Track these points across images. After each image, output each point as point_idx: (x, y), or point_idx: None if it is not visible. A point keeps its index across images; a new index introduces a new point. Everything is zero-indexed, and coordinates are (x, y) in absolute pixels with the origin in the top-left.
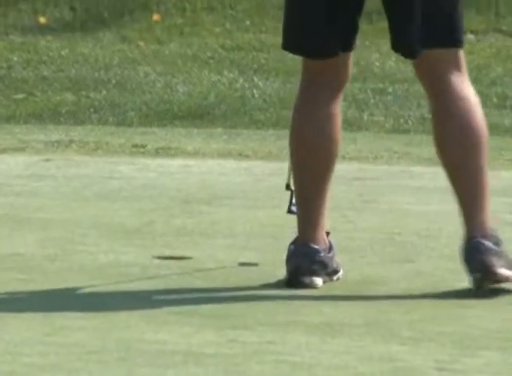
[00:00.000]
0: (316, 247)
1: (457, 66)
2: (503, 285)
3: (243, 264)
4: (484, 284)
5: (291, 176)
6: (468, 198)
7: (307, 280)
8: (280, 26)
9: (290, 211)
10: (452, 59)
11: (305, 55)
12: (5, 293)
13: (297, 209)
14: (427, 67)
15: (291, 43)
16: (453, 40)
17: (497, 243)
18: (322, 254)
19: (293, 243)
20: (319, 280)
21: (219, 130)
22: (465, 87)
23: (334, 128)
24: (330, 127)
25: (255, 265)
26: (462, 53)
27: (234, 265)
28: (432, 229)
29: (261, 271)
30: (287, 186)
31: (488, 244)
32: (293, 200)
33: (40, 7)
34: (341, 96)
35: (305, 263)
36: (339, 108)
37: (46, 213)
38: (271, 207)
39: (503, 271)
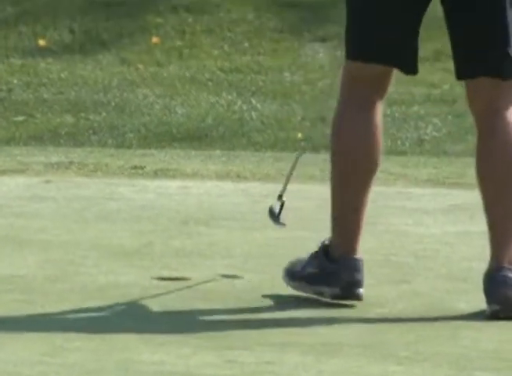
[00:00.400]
0: (361, 258)
1: (510, 94)
2: None
3: (241, 284)
4: (500, 316)
5: (285, 188)
6: (503, 225)
7: (360, 291)
8: (278, 47)
9: (277, 222)
10: (507, 88)
11: (397, 64)
12: (6, 314)
13: (338, 222)
14: (481, 93)
15: (378, 53)
16: (501, 67)
17: None
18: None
19: (326, 256)
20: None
21: (217, 152)
22: None
23: (377, 134)
24: (373, 132)
25: (253, 285)
26: None
27: (232, 286)
28: (429, 250)
29: (259, 292)
30: (279, 197)
31: None
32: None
33: (40, 30)
34: (382, 108)
35: (358, 276)
36: (380, 117)
37: (47, 234)
38: (268, 228)
39: None
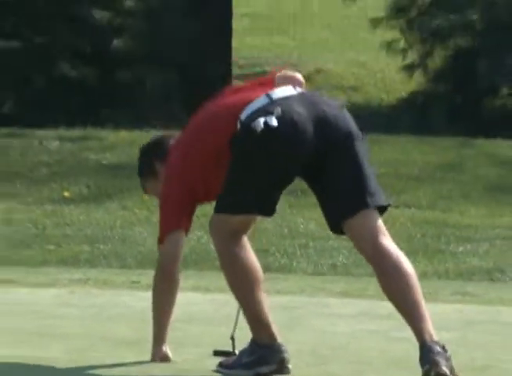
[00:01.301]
0: (281, 341)
1: (379, 223)
2: None
3: (210, 363)
4: (431, 373)
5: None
6: (417, 316)
7: (289, 366)
8: None
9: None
10: (376, 219)
11: (261, 212)
12: None
13: (255, 321)
14: (359, 229)
15: (249, 204)
16: (367, 200)
17: (444, 348)
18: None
19: (263, 346)
20: None
21: (191, 272)
22: (390, 240)
23: (254, 259)
24: (252, 260)
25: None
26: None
27: (202, 366)
28: (342, 343)
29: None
30: (231, 338)
31: (438, 347)
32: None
33: (65, 185)
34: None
35: (286, 355)
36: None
37: (70, 330)
38: (226, 326)
39: (446, 369)
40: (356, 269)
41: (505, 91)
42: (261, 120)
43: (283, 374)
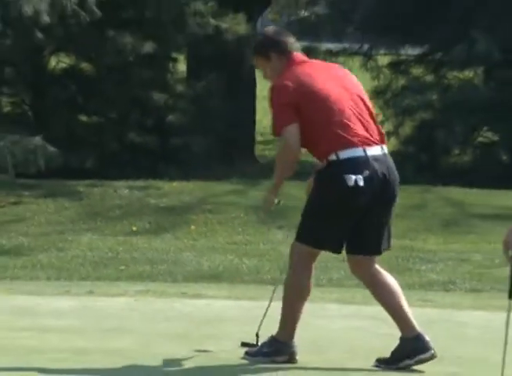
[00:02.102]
0: (294, 340)
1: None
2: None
3: (239, 353)
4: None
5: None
6: (404, 314)
7: (297, 357)
8: None
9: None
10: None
11: (334, 251)
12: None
13: (287, 323)
14: (360, 264)
15: (326, 244)
16: (381, 249)
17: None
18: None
19: (280, 342)
20: None
21: (224, 285)
22: (380, 268)
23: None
24: (311, 279)
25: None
26: None
27: (232, 355)
28: (336, 337)
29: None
30: (256, 335)
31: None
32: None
33: (132, 222)
34: None
35: (296, 349)
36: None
37: (134, 327)
38: (252, 324)
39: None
40: (347, 281)
41: (455, 152)
42: (353, 178)
43: (292, 362)
